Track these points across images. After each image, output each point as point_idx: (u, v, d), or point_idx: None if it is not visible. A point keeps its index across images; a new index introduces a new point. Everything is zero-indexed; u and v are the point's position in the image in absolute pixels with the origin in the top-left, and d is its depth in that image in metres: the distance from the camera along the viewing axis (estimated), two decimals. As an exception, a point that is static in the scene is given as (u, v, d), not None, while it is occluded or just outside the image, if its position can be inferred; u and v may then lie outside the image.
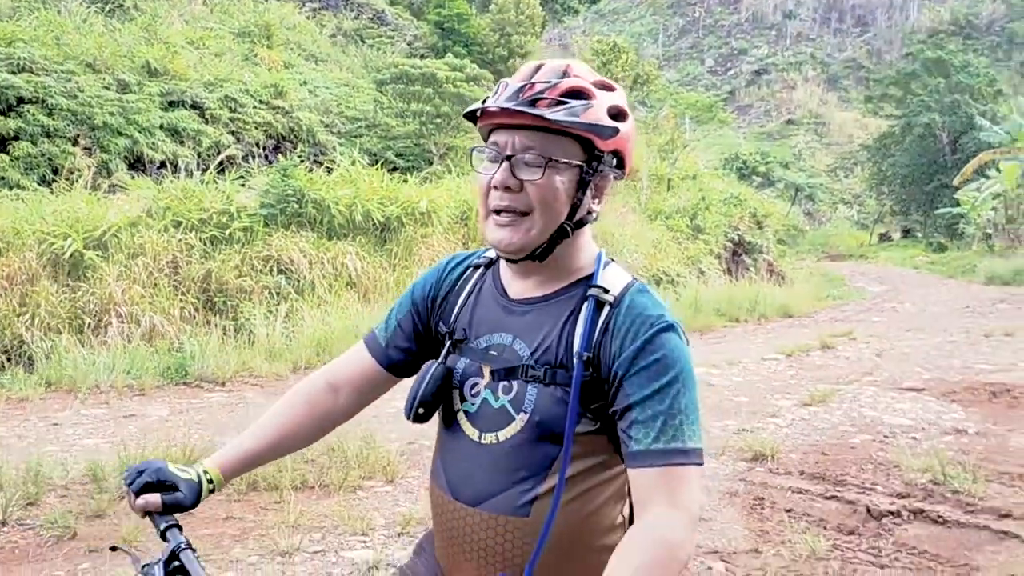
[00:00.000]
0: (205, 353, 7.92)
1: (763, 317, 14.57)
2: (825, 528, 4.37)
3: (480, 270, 1.56)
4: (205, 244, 9.54)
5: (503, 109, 1.33)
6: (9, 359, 7.67)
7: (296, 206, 10.42)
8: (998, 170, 27.14)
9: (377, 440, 5.22)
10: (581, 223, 1.42)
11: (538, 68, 1.37)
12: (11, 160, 10.52)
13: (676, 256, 16.17)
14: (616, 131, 1.36)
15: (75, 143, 11.09)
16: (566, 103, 1.31)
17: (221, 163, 12.09)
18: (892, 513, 4.57)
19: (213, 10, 19.57)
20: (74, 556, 3.75)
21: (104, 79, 12.30)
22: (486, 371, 1.43)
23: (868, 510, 4.61)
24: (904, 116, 38.79)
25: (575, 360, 1.34)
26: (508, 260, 1.45)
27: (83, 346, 7.85)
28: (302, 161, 12.48)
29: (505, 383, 1.40)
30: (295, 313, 9.42)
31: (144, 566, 1.38)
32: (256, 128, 13.75)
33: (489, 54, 21.70)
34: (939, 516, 4.51)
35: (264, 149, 13.76)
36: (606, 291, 1.38)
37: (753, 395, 7.81)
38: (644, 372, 1.30)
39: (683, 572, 1.22)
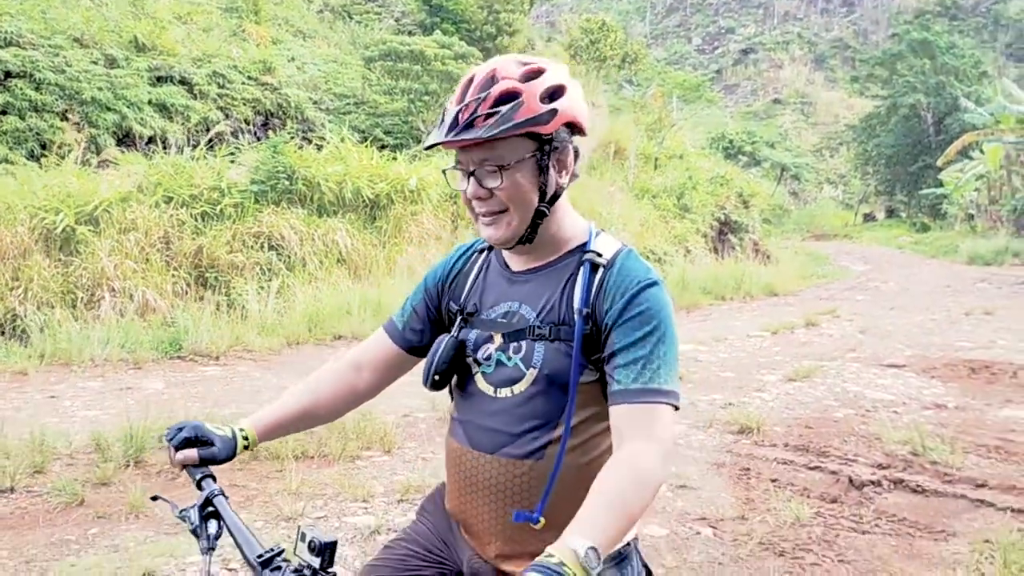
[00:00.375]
0: (199, 328, 8.00)
1: (749, 295, 14.77)
2: (809, 497, 4.53)
3: (485, 252, 1.73)
4: (196, 220, 9.57)
5: (447, 142, 1.46)
6: (3, 332, 7.72)
7: (287, 183, 10.45)
8: (982, 151, 27.43)
9: (374, 413, 5.33)
10: (555, 197, 1.55)
11: (470, 82, 1.49)
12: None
13: (663, 235, 16.30)
14: (555, 112, 1.47)
15: (64, 118, 11.04)
16: (497, 112, 1.43)
17: (210, 139, 12.07)
18: (873, 483, 4.74)
19: (200, -16, 19.35)
20: (83, 521, 3.85)
21: (92, 54, 12.21)
22: (497, 337, 1.59)
23: (850, 480, 4.78)
24: (890, 97, 38.92)
25: (576, 316, 1.49)
26: (504, 248, 1.61)
27: (76, 320, 7.90)
28: (292, 138, 12.47)
29: (515, 344, 1.55)
30: (286, 289, 9.49)
31: (182, 511, 1.51)
32: (244, 104, 13.69)
33: (477, 31, 21.57)
34: (918, 486, 4.69)
35: (252, 125, 13.70)
36: (599, 255, 1.54)
37: (739, 371, 7.98)
38: (630, 322, 1.45)
39: (654, 496, 1.35)
